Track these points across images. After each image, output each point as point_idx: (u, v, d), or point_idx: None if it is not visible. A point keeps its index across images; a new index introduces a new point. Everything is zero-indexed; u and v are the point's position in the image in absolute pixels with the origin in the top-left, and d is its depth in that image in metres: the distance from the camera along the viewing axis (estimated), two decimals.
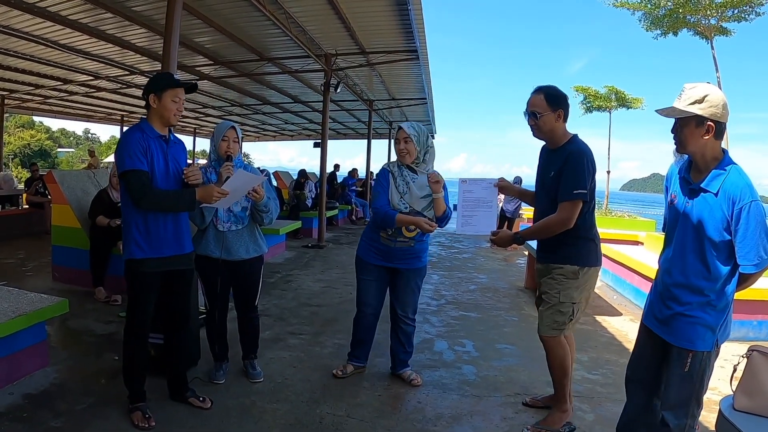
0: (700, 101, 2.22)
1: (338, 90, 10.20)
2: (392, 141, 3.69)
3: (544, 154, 3.20)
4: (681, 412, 2.38)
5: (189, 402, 3.28)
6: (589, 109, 14.50)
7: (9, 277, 6.28)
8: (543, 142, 3.22)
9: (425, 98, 13.68)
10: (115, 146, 3.72)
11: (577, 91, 14.63)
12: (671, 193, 2.50)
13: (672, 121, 2.36)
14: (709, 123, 2.21)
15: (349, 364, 3.92)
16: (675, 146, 2.39)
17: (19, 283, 5.81)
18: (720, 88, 7.21)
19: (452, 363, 4.29)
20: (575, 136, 3.07)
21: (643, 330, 2.62)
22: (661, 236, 2.69)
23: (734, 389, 2.52)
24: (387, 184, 3.58)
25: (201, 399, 3.30)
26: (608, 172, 14.55)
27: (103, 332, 4.57)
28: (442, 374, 4.02)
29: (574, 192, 2.87)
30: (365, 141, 16.89)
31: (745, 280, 2.30)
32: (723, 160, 2.27)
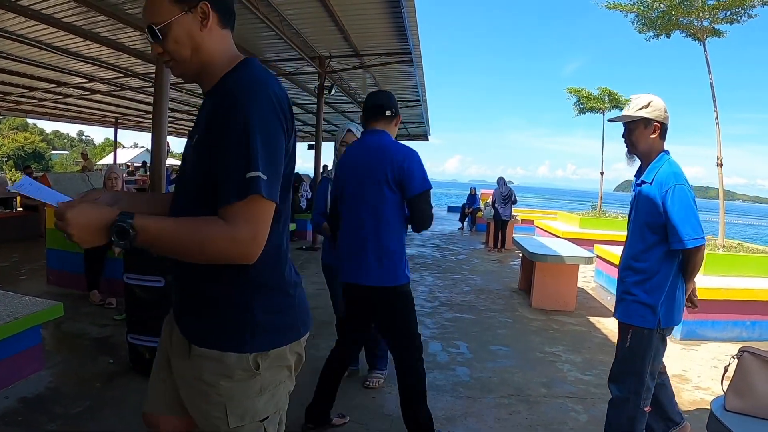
0: (646, 106, 2.63)
1: (332, 92, 10.22)
2: (337, 143, 3.69)
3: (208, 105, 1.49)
4: (622, 386, 2.67)
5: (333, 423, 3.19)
6: (582, 111, 14.48)
7: (3, 280, 6.27)
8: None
9: (419, 100, 13.70)
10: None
11: (570, 92, 14.64)
12: (632, 195, 2.85)
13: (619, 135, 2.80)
14: (655, 123, 2.62)
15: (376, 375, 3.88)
16: (626, 148, 2.75)
17: (14, 286, 5.80)
18: (712, 89, 7.23)
19: (446, 365, 4.32)
20: (247, 60, 1.48)
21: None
22: None
23: (725, 390, 2.54)
24: (326, 192, 3.71)
25: (340, 415, 3.26)
26: (602, 173, 14.55)
27: (98, 335, 4.58)
28: (436, 376, 4.04)
29: (247, 177, 1.27)
30: None
31: (687, 260, 2.59)
32: (661, 156, 2.66)
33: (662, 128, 2.65)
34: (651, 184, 2.61)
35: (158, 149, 4.66)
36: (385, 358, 3.88)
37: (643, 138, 2.66)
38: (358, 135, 3.55)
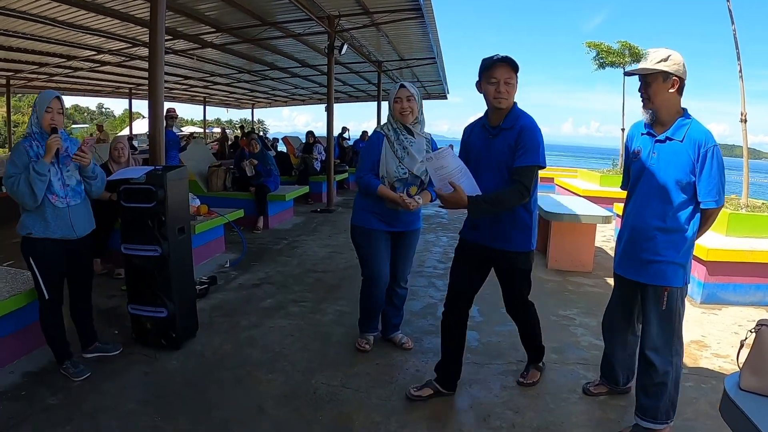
0: (665, 60, 2.54)
1: (343, 52, 9.99)
2: (390, 101, 3.50)
3: None
4: (666, 351, 2.62)
5: None
6: (602, 65, 13.91)
7: (15, 257, 6.27)
8: None
9: (434, 58, 13.36)
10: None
11: (589, 46, 14.06)
12: (634, 149, 2.78)
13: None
14: (674, 78, 2.53)
15: (370, 336, 3.83)
16: (642, 102, 2.66)
17: (15, 261, 5.80)
18: (736, 42, 6.82)
19: None
20: None
21: (617, 279, 2.95)
22: None
23: (741, 366, 2.32)
24: (379, 149, 3.46)
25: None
26: (623, 129, 14.08)
27: (105, 307, 4.56)
28: None
29: None
30: (376, 103, 16.61)
31: (706, 219, 2.60)
32: (685, 113, 2.59)
33: (681, 83, 2.57)
34: (682, 141, 2.54)
35: (155, 117, 4.58)
36: (402, 318, 3.96)
37: (661, 92, 2.57)
38: (412, 91, 3.42)
